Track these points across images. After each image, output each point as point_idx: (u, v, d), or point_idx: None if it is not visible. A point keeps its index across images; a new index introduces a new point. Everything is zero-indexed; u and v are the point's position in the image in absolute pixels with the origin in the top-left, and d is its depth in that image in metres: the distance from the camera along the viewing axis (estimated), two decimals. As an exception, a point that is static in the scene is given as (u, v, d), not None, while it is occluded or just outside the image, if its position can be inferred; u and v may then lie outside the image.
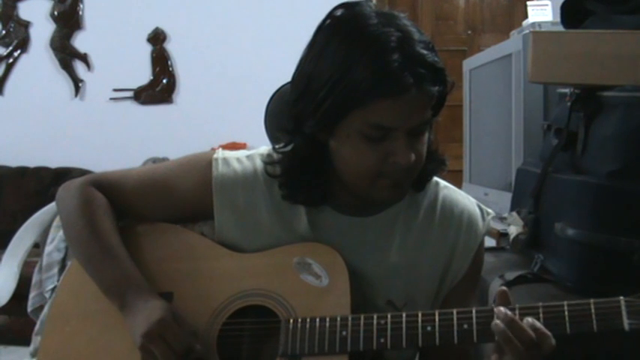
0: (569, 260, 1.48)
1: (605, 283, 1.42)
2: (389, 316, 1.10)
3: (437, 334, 1.07)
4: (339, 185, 1.20)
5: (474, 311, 1.08)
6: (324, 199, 1.22)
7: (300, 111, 1.14)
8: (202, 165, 1.26)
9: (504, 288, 1.08)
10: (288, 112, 1.18)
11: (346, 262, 1.18)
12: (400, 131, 1.10)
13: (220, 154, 1.28)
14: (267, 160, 1.24)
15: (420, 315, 1.09)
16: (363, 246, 1.22)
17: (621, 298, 1.04)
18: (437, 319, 1.08)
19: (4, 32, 4.63)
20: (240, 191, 1.24)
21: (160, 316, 1.12)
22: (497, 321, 1.02)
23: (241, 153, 1.29)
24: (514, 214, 1.71)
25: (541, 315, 1.05)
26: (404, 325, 1.09)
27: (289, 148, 1.20)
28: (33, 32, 4.63)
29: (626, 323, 1.02)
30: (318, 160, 1.18)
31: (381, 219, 1.24)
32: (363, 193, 1.17)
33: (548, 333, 1.02)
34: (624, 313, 1.03)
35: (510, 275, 1.61)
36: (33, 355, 1.35)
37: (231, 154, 1.28)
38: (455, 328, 1.07)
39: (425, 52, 1.08)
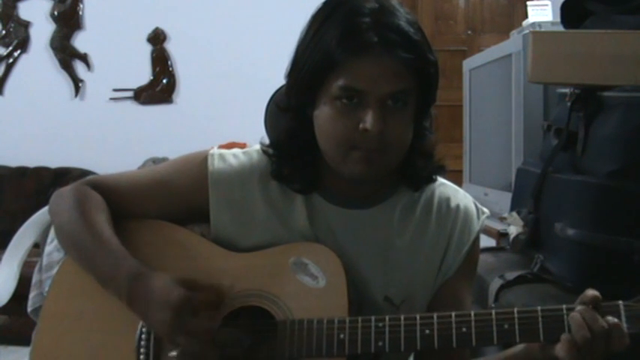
0: (569, 260, 1.48)
1: (604, 283, 1.41)
2: (387, 318, 1.09)
3: (435, 337, 1.07)
4: (331, 172, 1.19)
5: (472, 314, 1.07)
6: (317, 186, 1.22)
7: (289, 86, 1.18)
8: (198, 161, 1.26)
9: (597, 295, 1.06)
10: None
11: (343, 261, 1.17)
12: (371, 97, 1.10)
13: (216, 150, 1.28)
14: (264, 148, 1.25)
15: (418, 318, 1.08)
16: (359, 240, 1.21)
17: (620, 302, 1.04)
18: (435, 322, 1.07)
19: (4, 32, 4.63)
20: (236, 186, 1.24)
21: (175, 296, 1.08)
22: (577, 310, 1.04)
23: (237, 150, 1.30)
24: (514, 214, 1.70)
25: (540, 317, 1.05)
26: (402, 328, 1.08)
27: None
28: (33, 32, 4.63)
29: (624, 327, 1.02)
30: (308, 136, 1.18)
31: (378, 212, 1.23)
32: (338, 167, 1.16)
33: (625, 330, 1.03)
34: (623, 317, 1.03)
35: (510, 275, 1.61)
36: (33, 355, 1.35)
37: (227, 151, 1.29)
38: (454, 331, 1.07)
39: (401, 23, 1.10)
